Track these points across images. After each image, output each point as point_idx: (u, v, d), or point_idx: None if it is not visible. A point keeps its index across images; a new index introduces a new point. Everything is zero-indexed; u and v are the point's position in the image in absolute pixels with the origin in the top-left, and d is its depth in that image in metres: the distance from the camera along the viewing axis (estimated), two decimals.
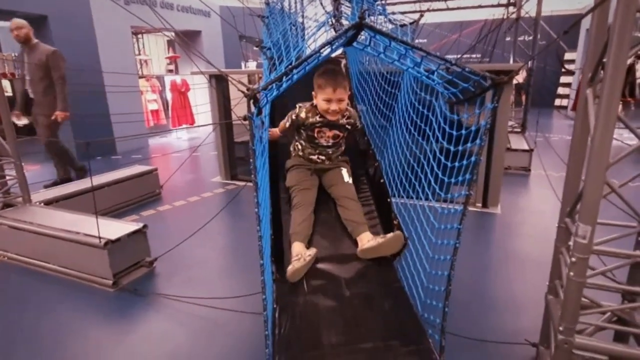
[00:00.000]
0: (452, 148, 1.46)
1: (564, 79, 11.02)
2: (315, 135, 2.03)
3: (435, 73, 1.34)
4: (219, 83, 4.54)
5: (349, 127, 2.07)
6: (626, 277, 1.52)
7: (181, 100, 7.61)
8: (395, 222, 1.86)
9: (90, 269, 2.43)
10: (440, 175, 1.59)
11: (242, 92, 1.34)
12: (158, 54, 10.07)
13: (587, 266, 1.26)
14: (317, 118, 1.97)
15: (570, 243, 1.33)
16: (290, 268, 1.63)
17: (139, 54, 8.61)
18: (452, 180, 1.45)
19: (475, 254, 2.85)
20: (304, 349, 1.41)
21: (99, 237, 2.31)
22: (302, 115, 1.98)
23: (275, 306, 1.66)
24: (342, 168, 2.10)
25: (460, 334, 1.83)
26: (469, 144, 1.34)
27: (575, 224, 1.27)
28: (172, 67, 9.98)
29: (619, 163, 1.18)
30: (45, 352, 1.88)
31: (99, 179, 3.60)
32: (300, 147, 2.10)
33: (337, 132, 2.05)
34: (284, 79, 1.28)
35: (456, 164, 1.43)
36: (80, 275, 2.47)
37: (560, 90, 11.26)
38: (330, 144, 2.06)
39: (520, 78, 8.25)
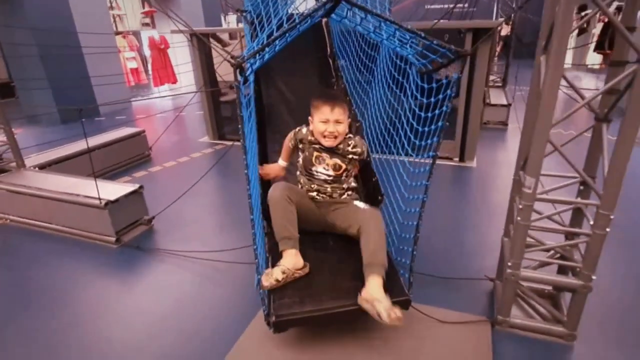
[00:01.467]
0: (422, 114, 1.62)
1: None
2: (313, 160, 1.83)
3: (408, 45, 1.46)
4: (201, 42, 4.47)
5: (356, 157, 1.83)
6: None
7: (161, 58, 7.42)
8: (373, 179, 2.06)
9: (93, 228, 2.60)
10: (412, 138, 1.77)
11: (229, 61, 1.45)
12: (132, 7, 9.56)
13: (531, 212, 1.49)
14: (315, 139, 1.83)
15: None
16: (267, 278, 1.56)
17: (112, 9, 8.20)
18: (422, 143, 1.63)
19: (450, 204, 3.11)
20: (294, 289, 1.64)
21: (99, 198, 2.46)
22: (304, 130, 1.86)
23: (267, 255, 1.88)
24: (353, 201, 1.84)
25: (429, 273, 2.11)
26: (437, 111, 1.51)
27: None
28: (147, 20, 9.54)
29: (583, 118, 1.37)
30: (58, 302, 2.09)
31: (89, 142, 3.66)
32: (300, 182, 1.92)
33: (338, 161, 1.81)
34: (267, 49, 1.39)
35: (426, 128, 1.61)
36: (83, 234, 2.65)
37: None
38: (330, 177, 1.82)
39: (504, 32, 8.21)
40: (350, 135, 1.86)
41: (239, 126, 1.42)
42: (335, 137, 1.76)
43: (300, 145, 1.87)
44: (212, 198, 3.43)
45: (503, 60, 7.32)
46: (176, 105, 6.83)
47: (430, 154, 1.54)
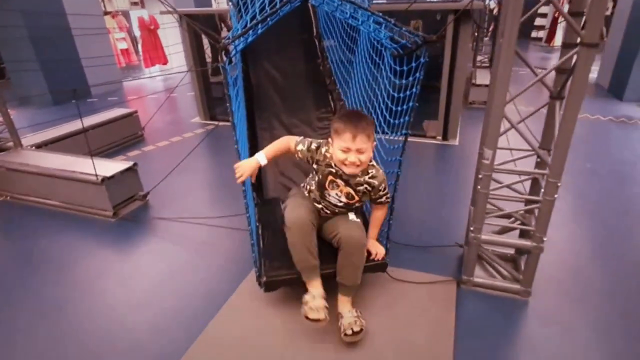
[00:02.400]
0: (396, 94, 1.76)
1: (542, 9, 10.91)
2: (326, 185, 1.71)
3: (382, 30, 1.59)
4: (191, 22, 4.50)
5: (370, 189, 1.69)
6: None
7: (151, 39, 7.40)
8: None
9: (91, 203, 2.75)
10: (387, 117, 1.92)
11: (214, 44, 1.57)
12: None
13: (490, 181, 1.67)
14: (334, 164, 1.67)
15: None
16: (311, 312, 1.56)
17: None
18: (396, 121, 1.78)
19: (431, 181, 3.29)
20: (283, 254, 1.82)
21: (96, 175, 2.60)
22: (322, 150, 1.68)
23: (258, 223, 2.05)
24: (348, 213, 1.78)
25: (407, 243, 2.30)
26: (407, 92, 1.65)
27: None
28: None
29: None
30: (62, 270, 2.25)
31: (83, 122, 3.75)
32: (309, 187, 1.82)
33: (351, 191, 1.69)
34: (250, 32, 1.52)
35: (399, 107, 1.75)
36: (82, 209, 2.80)
37: (537, 22, 11.20)
38: (341, 203, 1.73)
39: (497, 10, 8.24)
40: (374, 164, 1.71)
41: (227, 105, 1.55)
42: (358, 166, 1.59)
43: (315, 166, 1.73)
44: (204, 174, 3.57)
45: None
46: (167, 86, 6.86)
47: (403, 132, 1.69)
